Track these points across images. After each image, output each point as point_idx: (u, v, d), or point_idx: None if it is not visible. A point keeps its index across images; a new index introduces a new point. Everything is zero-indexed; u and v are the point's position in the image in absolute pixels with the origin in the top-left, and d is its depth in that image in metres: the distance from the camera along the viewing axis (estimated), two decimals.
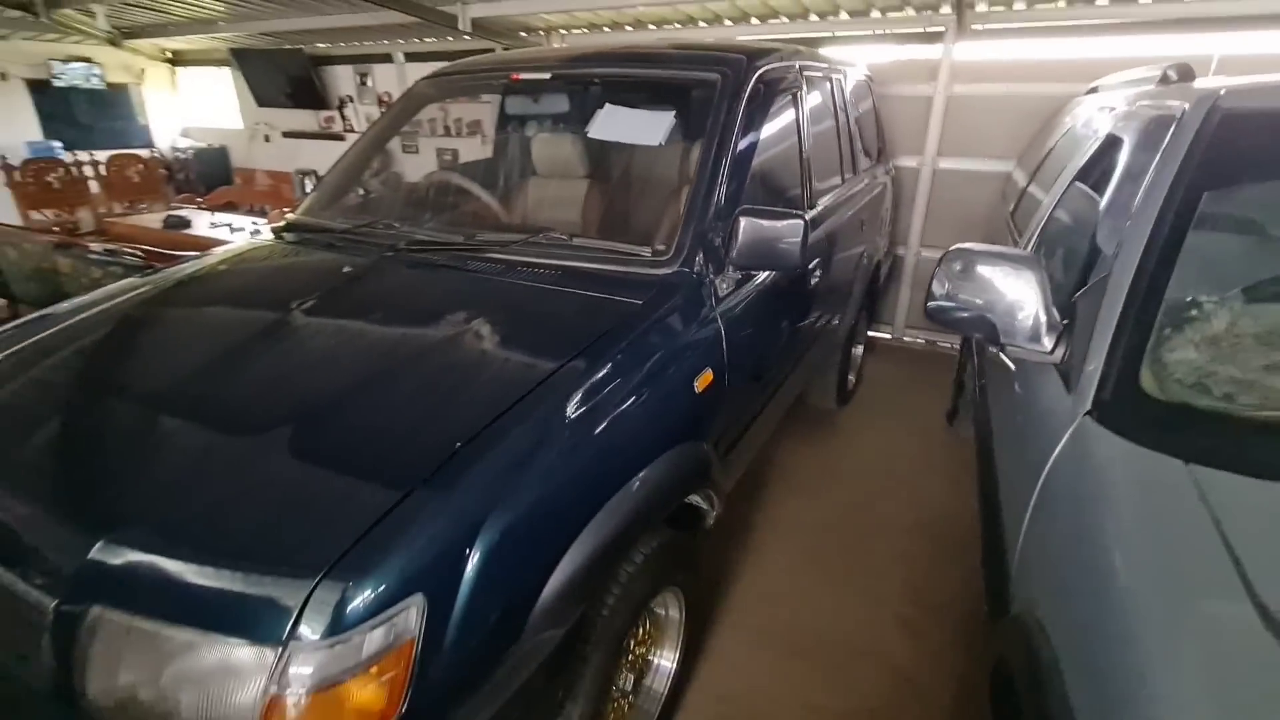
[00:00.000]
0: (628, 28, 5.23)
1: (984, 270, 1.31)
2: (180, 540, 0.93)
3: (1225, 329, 1.08)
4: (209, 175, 7.72)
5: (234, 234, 4.54)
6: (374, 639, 0.87)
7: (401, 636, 0.89)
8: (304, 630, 0.84)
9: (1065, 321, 1.26)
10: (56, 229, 5.46)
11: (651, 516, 1.36)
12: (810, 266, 2.27)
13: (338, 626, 0.84)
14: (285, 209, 6.20)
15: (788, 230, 1.59)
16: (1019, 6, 3.51)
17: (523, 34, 5.57)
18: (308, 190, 2.42)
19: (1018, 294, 1.27)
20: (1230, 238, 1.26)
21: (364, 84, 6.83)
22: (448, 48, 5.95)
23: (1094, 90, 2.71)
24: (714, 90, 1.87)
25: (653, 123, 1.88)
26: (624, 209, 2.16)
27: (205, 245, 3.36)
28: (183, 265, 1.91)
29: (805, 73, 2.39)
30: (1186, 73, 1.76)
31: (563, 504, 1.15)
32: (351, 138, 6.98)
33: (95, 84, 7.07)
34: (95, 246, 3.78)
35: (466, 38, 5.36)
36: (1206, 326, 1.09)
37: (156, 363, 1.41)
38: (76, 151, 6.79)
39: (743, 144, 1.82)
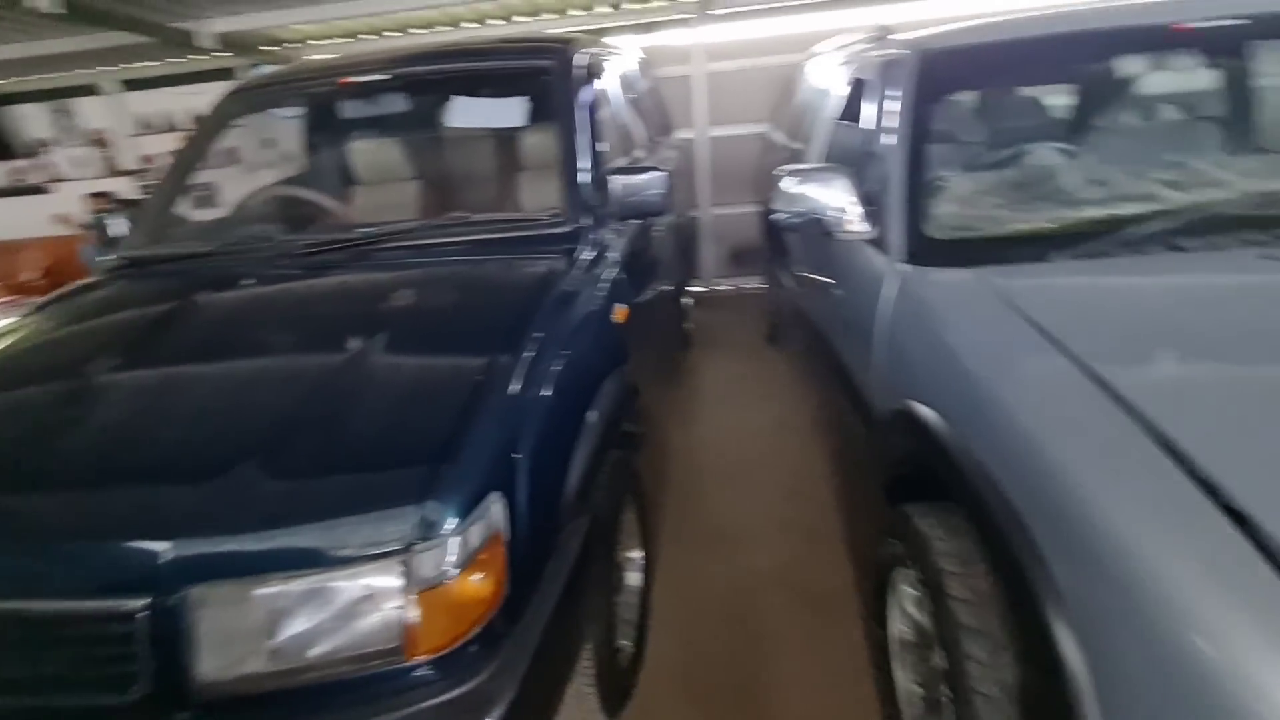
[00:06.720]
0: (390, 34, 5.14)
1: (808, 184, 1.78)
2: (275, 506, 0.99)
3: (969, 191, 1.64)
4: None
5: None
6: (473, 534, 1.02)
7: (493, 527, 1.05)
8: (419, 541, 0.96)
9: (871, 208, 1.76)
10: None
11: (611, 436, 1.60)
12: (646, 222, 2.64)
13: (444, 529, 0.98)
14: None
15: (654, 181, 1.91)
16: None
17: (273, 48, 5.18)
18: (109, 230, 2.18)
19: (835, 196, 1.75)
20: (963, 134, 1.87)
21: (65, 122, 5.77)
22: (180, 69, 5.29)
23: (813, 57, 3.45)
24: (550, 74, 2.11)
25: (507, 108, 2.07)
26: (507, 187, 2.29)
27: None
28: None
29: (604, 58, 2.72)
30: (885, 32, 2.42)
31: (561, 423, 1.37)
32: (63, 185, 5.89)
33: None
34: None
35: (204, 57, 4.86)
36: (956, 191, 1.65)
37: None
38: None
39: (587, 118, 2.10)
